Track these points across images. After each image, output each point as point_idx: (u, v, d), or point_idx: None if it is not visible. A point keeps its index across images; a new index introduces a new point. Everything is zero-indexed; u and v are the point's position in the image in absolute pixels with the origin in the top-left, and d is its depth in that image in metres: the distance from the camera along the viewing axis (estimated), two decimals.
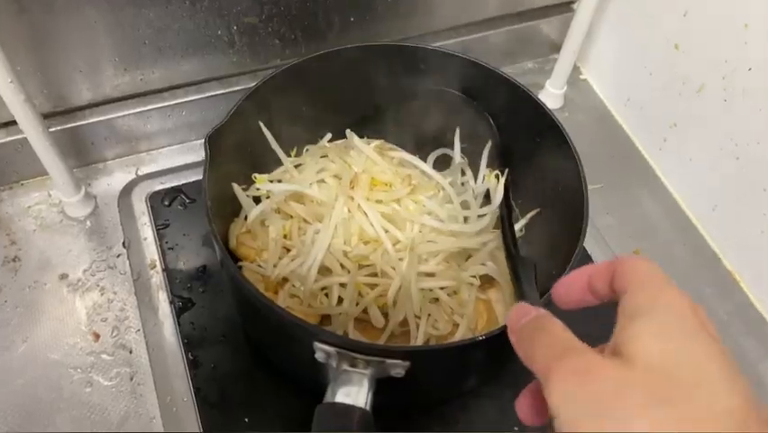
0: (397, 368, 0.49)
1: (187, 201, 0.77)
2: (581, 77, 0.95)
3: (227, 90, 0.80)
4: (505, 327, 0.51)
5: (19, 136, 0.73)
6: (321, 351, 0.50)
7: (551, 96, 0.89)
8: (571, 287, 0.37)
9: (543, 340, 0.33)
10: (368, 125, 0.73)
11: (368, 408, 0.47)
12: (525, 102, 0.65)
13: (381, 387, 0.50)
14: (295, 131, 0.71)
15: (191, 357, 0.66)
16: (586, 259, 0.74)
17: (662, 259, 0.81)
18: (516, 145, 0.69)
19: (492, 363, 0.61)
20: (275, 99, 0.65)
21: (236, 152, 0.63)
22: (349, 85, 0.69)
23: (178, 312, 0.69)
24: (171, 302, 0.69)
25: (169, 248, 0.73)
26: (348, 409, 0.47)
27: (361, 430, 0.46)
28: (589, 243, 0.77)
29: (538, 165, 0.67)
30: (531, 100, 0.65)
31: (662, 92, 0.81)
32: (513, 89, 0.66)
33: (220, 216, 0.61)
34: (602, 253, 0.76)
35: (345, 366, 0.49)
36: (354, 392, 0.48)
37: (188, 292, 0.70)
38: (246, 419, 0.63)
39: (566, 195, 0.62)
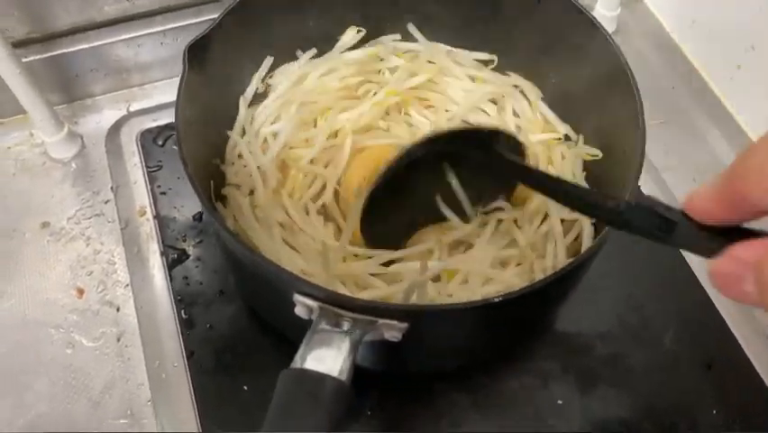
0: (393, 330, 0.40)
1: None
2: None
3: None
4: (533, 286, 0.41)
5: None
6: (302, 305, 0.41)
7: (603, 18, 0.77)
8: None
9: None
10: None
11: (344, 378, 0.38)
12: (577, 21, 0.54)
13: (376, 350, 0.42)
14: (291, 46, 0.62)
15: (184, 316, 0.58)
16: None
17: None
18: (564, 73, 0.59)
19: (516, 327, 0.52)
20: (272, 8, 0.56)
21: (223, 72, 0.54)
22: None
23: (171, 265, 0.60)
24: (163, 254, 0.61)
25: (162, 193, 0.64)
26: (317, 379, 0.37)
27: (333, 407, 0.37)
28: (648, 186, 0.66)
29: (589, 95, 0.56)
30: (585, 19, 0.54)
31: (735, 9, 0.69)
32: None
33: (200, 144, 0.52)
34: (664, 198, 0.65)
35: (324, 324, 0.40)
36: (331, 357, 0.38)
37: (182, 243, 0.61)
38: (245, 387, 0.54)
39: (619, 130, 0.51)
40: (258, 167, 0.55)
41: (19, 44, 0.65)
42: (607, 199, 0.36)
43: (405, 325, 0.40)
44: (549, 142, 0.59)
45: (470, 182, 0.52)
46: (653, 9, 0.81)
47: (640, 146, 0.46)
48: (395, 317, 0.39)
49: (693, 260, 0.61)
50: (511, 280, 0.50)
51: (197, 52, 0.49)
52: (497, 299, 0.40)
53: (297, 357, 0.39)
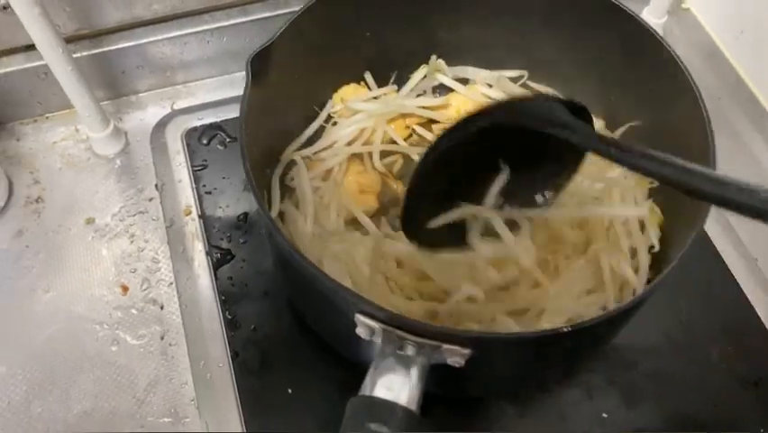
0: (455, 356, 0.39)
1: (228, 140, 0.68)
2: (684, 5, 0.81)
3: (275, 13, 0.70)
4: (600, 317, 0.40)
5: (41, 62, 0.64)
6: (363, 326, 0.40)
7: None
8: None
9: None
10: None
11: (414, 406, 0.37)
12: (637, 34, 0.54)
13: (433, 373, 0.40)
14: (355, 58, 0.62)
15: (229, 316, 0.58)
16: None
17: None
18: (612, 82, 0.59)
19: (578, 354, 0.51)
20: (336, 18, 0.56)
21: (285, 80, 0.54)
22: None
23: (216, 265, 0.60)
24: (208, 253, 0.61)
25: (207, 192, 0.64)
26: (387, 407, 0.37)
27: None
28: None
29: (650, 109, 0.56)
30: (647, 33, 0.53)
31: None
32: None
33: (260, 155, 0.52)
34: (712, 209, 0.65)
35: (390, 349, 0.39)
36: (398, 385, 0.38)
37: (227, 243, 0.61)
38: (290, 390, 0.54)
39: (678, 144, 0.50)
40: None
41: (69, 40, 0.65)
42: (696, 172, 0.33)
43: (468, 351, 0.39)
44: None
45: (525, 168, 0.46)
46: (700, 18, 0.80)
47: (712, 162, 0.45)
48: (460, 343, 0.38)
49: (742, 277, 0.60)
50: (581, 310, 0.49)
51: (260, 62, 0.48)
52: (565, 330, 0.39)
53: (366, 383, 0.38)
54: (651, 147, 0.54)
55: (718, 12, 0.78)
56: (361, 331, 0.41)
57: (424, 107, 0.64)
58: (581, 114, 0.43)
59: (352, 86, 0.65)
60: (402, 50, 0.64)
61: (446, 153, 0.43)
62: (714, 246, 0.62)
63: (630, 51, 0.56)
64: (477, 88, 0.66)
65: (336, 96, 0.64)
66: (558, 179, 0.48)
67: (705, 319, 0.58)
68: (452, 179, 0.46)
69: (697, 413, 0.55)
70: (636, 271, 0.53)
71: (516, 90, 0.65)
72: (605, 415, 0.54)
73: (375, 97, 0.64)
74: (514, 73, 0.65)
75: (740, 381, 0.56)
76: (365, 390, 0.38)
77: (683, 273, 0.59)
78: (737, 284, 0.60)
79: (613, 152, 0.39)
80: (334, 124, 0.63)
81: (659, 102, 0.54)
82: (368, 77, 0.65)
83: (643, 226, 0.54)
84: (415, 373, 0.39)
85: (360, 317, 0.40)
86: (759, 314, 0.58)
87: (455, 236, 0.48)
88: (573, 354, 0.48)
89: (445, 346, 0.39)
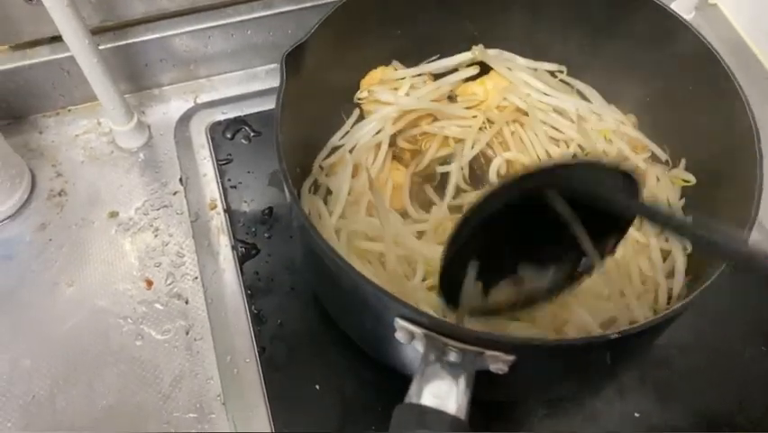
0: (499, 363, 0.39)
1: (252, 134, 0.67)
2: (711, 1, 0.80)
3: (299, 6, 0.69)
4: (648, 323, 0.40)
5: (65, 54, 0.64)
6: (403, 330, 0.39)
7: None
8: None
9: None
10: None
11: (462, 415, 0.36)
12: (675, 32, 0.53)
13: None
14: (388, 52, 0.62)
15: (255, 311, 0.57)
16: None
17: None
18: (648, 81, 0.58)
19: (620, 362, 0.50)
20: (368, 12, 0.55)
21: (318, 76, 0.53)
22: None
23: (241, 259, 0.60)
24: (233, 248, 0.60)
25: (232, 186, 0.64)
26: (436, 416, 0.36)
27: None
28: None
29: (688, 116, 0.55)
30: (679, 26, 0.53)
31: None
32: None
33: (293, 154, 0.51)
34: None
35: (434, 355, 0.38)
36: (445, 392, 0.37)
37: (252, 237, 0.61)
38: (317, 387, 0.54)
39: (725, 155, 0.50)
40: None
41: (93, 32, 0.64)
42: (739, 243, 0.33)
43: (512, 357, 0.38)
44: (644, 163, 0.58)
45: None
46: (728, 14, 0.79)
47: (759, 177, 0.43)
48: (504, 350, 0.38)
49: None
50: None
51: (294, 60, 0.48)
52: (613, 336, 0.38)
53: (412, 390, 0.37)
54: (690, 151, 0.56)
55: (746, 8, 0.77)
56: (400, 336, 0.40)
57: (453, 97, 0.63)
58: (628, 177, 0.41)
59: (380, 69, 0.63)
60: (435, 41, 0.63)
61: (487, 217, 0.41)
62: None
63: (664, 50, 0.55)
64: (518, 74, 0.64)
65: (364, 83, 0.63)
66: (604, 243, 0.44)
67: (737, 318, 0.57)
68: (493, 242, 0.43)
69: (728, 412, 0.54)
70: (671, 274, 0.52)
71: (551, 82, 0.64)
72: (637, 414, 0.53)
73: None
74: (552, 66, 0.64)
75: None
76: (412, 397, 0.37)
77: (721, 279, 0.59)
78: None
79: (657, 218, 0.40)
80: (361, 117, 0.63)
81: (698, 104, 0.53)
82: (396, 64, 0.64)
83: None
84: (462, 380, 0.38)
85: (400, 322, 0.39)
86: None
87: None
88: (615, 359, 0.48)
89: (488, 353, 0.38)
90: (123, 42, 0.67)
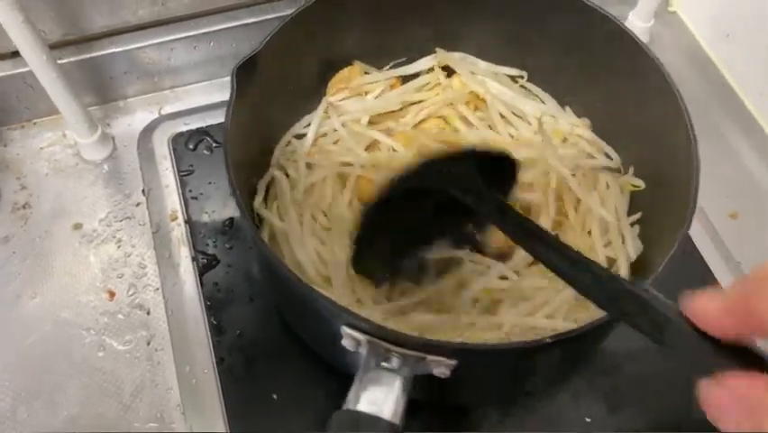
0: (441, 367, 0.40)
1: (214, 145, 0.68)
2: (671, 8, 0.81)
3: (261, 18, 0.70)
4: (585, 326, 0.40)
5: (27, 68, 0.64)
6: (349, 338, 0.41)
7: (635, 30, 0.75)
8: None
9: None
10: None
11: (397, 420, 0.38)
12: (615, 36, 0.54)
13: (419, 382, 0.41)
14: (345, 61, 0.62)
15: (214, 322, 0.58)
16: None
17: (765, 226, 0.71)
18: (598, 85, 0.59)
19: (562, 365, 0.52)
20: (323, 25, 0.56)
21: (271, 89, 0.54)
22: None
23: (201, 270, 0.60)
24: (193, 259, 0.61)
25: (193, 198, 0.65)
26: (371, 421, 0.37)
27: None
28: None
29: (635, 122, 0.57)
30: (624, 34, 0.54)
31: None
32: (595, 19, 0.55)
33: (246, 165, 0.52)
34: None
35: (375, 361, 0.40)
36: (382, 398, 0.38)
37: (213, 248, 0.62)
38: (274, 396, 0.55)
39: (669, 161, 0.51)
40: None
41: (55, 46, 0.65)
42: (600, 274, 0.34)
43: (454, 362, 0.39)
44: (594, 169, 0.59)
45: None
46: (687, 21, 0.80)
47: (694, 185, 0.45)
48: (445, 355, 0.39)
49: (725, 281, 0.61)
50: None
51: (245, 72, 0.48)
52: (548, 340, 0.39)
53: (350, 397, 0.38)
54: (638, 154, 0.57)
55: (705, 15, 0.78)
56: (347, 343, 0.41)
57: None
58: (510, 164, 0.47)
59: (348, 69, 0.63)
60: (393, 46, 0.64)
61: (387, 206, 0.45)
62: (697, 250, 0.62)
63: (612, 55, 0.56)
64: (480, 78, 0.65)
65: (332, 84, 0.63)
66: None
67: None
68: (401, 225, 0.48)
69: (678, 418, 0.55)
70: None
71: (513, 87, 0.65)
72: (588, 419, 0.54)
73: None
74: (513, 71, 0.65)
75: None
76: (349, 404, 0.38)
77: (664, 274, 0.60)
78: (720, 286, 0.60)
79: (509, 229, 0.42)
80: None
81: (643, 108, 0.55)
82: (358, 64, 0.64)
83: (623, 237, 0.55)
84: (398, 385, 0.39)
85: (346, 330, 0.40)
86: None
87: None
88: (561, 362, 0.49)
89: (430, 358, 0.39)
90: (87, 56, 0.67)
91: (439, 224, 0.50)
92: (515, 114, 0.64)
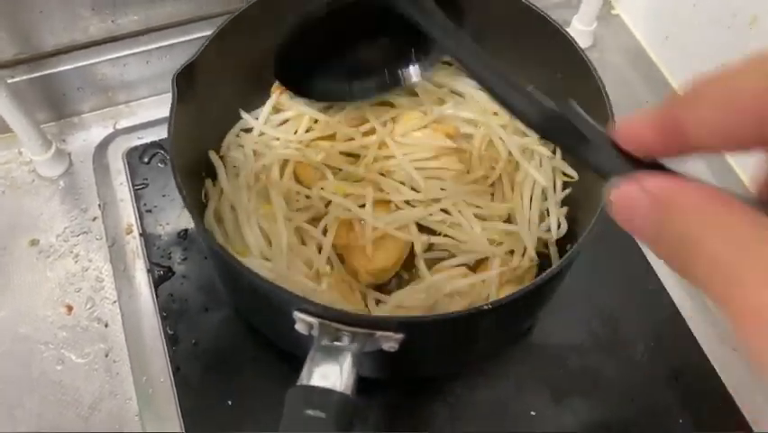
0: (390, 341, 0.42)
1: (168, 158, 0.69)
2: (613, 11, 0.84)
3: (212, 32, 0.71)
4: (520, 292, 0.43)
5: None
6: (302, 322, 0.43)
7: (578, 33, 0.78)
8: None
9: (721, 236, 0.19)
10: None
11: (350, 392, 0.40)
12: (550, 36, 0.56)
13: (371, 359, 0.43)
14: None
15: (170, 332, 0.59)
16: None
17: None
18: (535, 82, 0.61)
19: (505, 331, 0.54)
20: (260, 29, 0.57)
21: (213, 93, 0.56)
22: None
23: (157, 282, 0.62)
24: (149, 271, 0.62)
25: (147, 210, 0.66)
26: (324, 395, 0.39)
27: (339, 421, 0.39)
28: None
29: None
30: (558, 34, 0.56)
31: (707, 27, 0.71)
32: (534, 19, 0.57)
33: (193, 167, 0.54)
34: None
35: (326, 340, 0.42)
36: (334, 373, 0.40)
37: (167, 260, 0.63)
38: (230, 402, 0.56)
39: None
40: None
41: (6, 65, 0.66)
42: (532, 96, 0.34)
43: (400, 336, 0.41)
44: (530, 146, 0.61)
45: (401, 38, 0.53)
46: (629, 24, 0.82)
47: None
48: (391, 329, 0.41)
49: (663, 273, 0.63)
50: None
51: (186, 79, 0.50)
52: (486, 306, 0.42)
53: (303, 374, 0.41)
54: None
55: (645, 18, 0.81)
56: (300, 327, 0.43)
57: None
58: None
59: None
60: None
61: (323, 19, 0.49)
62: (635, 241, 0.65)
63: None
64: None
65: (275, 88, 0.64)
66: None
67: (629, 316, 0.61)
68: (334, 42, 0.53)
69: (621, 408, 0.57)
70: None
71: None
72: (533, 413, 0.57)
73: None
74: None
75: (662, 375, 0.58)
76: (302, 380, 0.41)
77: (605, 269, 0.62)
78: (659, 280, 0.62)
79: (453, 48, 0.43)
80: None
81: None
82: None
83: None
84: (348, 359, 0.41)
85: (298, 315, 0.42)
86: (680, 310, 0.61)
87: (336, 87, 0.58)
88: (501, 328, 0.52)
89: (378, 333, 0.42)
90: (39, 74, 0.68)
91: (371, 52, 0.55)
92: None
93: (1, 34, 0.64)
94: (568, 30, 0.69)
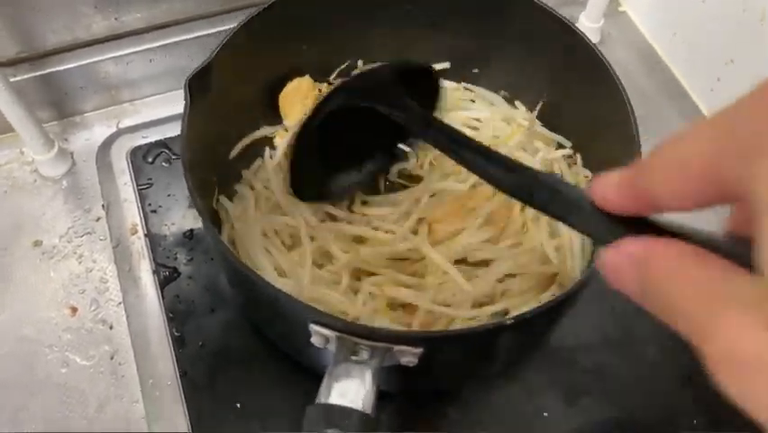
0: (408, 356, 0.41)
1: (173, 157, 0.68)
2: (620, 8, 0.83)
3: (216, 29, 0.70)
4: (539, 308, 0.42)
5: None
6: (318, 335, 0.42)
7: (586, 30, 0.77)
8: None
9: (691, 291, 0.21)
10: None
11: (370, 410, 0.39)
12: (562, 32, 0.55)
13: (388, 373, 0.42)
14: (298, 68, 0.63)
15: (176, 334, 0.58)
16: None
17: (712, 220, 0.71)
18: (548, 82, 0.61)
19: (522, 346, 0.53)
20: (275, 33, 0.57)
21: (227, 98, 0.55)
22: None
23: (162, 283, 0.61)
24: (154, 272, 0.62)
25: (152, 211, 0.65)
26: (344, 413, 0.38)
27: None
28: None
29: (577, 106, 0.58)
30: (570, 31, 0.55)
31: (716, 22, 0.70)
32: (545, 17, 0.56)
33: (205, 176, 0.53)
34: None
35: (344, 355, 0.41)
36: (353, 390, 0.39)
37: (173, 261, 0.62)
38: (238, 405, 0.55)
39: (612, 141, 0.53)
40: None
41: (8, 64, 0.65)
42: (514, 168, 0.35)
43: (420, 350, 0.40)
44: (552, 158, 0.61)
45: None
46: (636, 21, 0.82)
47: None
48: (410, 343, 0.40)
49: None
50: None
51: (198, 83, 0.49)
52: (509, 321, 0.41)
53: (322, 391, 0.39)
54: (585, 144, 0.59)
55: (653, 15, 0.80)
56: (315, 340, 0.42)
57: None
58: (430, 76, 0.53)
59: (296, 81, 0.64)
60: (342, 56, 0.65)
61: (318, 128, 0.51)
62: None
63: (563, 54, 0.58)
64: None
65: (282, 97, 0.64)
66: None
67: (641, 316, 0.60)
68: (333, 143, 0.54)
69: (633, 409, 0.57)
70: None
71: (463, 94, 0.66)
72: (546, 414, 0.56)
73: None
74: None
75: (674, 376, 0.58)
76: (321, 397, 0.40)
77: None
78: None
79: (433, 137, 0.45)
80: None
81: (591, 104, 0.56)
82: (307, 78, 0.65)
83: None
84: (368, 376, 0.40)
85: (314, 327, 0.41)
86: None
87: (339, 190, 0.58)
88: (520, 343, 0.51)
89: (397, 348, 0.41)
90: (42, 72, 0.67)
91: (369, 142, 0.57)
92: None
93: (3, 32, 0.63)
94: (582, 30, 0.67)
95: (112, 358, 0.59)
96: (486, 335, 0.43)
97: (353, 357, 0.41)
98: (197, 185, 0.47)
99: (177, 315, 0.59)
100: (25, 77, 0.66)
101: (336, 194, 0.59)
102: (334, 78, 0.66)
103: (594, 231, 0.28)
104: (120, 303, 0.61)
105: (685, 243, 0.23)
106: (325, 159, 0.55)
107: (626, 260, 0.24)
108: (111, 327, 0.60)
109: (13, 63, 0.66)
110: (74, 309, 0.61)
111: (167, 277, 0.61)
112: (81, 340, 0.60)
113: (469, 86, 0.67)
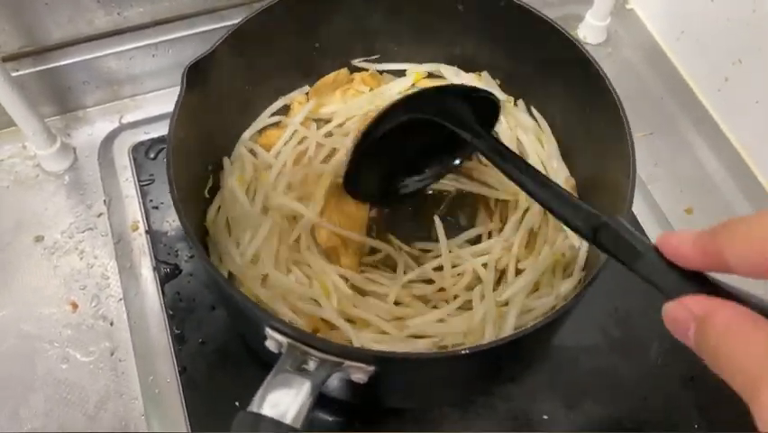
0: (360, 373, 0.40)
1: None
2: (628, 6, 0.82)
3: (220, 25, 0.70)
4: (501, 341, 0.41)
5: None
6: (273, 339, 0.41)
7: (592, 28, 0.77)
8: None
9: (744, 349, 0.25)
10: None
11: (299, 425, 0.37)
12: (552, 35, 0.55)
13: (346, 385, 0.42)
14: (299, 64, 0.63)
15: (176, 331, 0.58)
16: (631, 221, 0.63)
17: (719, 220, 0.70)
18: (542, 87, 0.60)
19: (483, 377, 0.53)
20: (277, 29, 0.56)
21: (223, 94, 0.55)
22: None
23: (163, 280, 0.61)
24: (155, 269, 0.61)
25: (154, 207, 0.65)
26: (271, 425, 0.37)
27: None
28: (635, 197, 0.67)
29: (572, 113, 0.58)
30: (557, 32, 0.54)
31: (724, 22, 0.69)
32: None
33: (192, 165, 0.53)
34: (650, 210, 0.66)
35: (289, 364, 0.39)
36: (286, 402, 0.38)
37: (174, 258, 0.62)
38: (237, 403, 0.55)
39: (607, 146, 0.52)
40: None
41: (11, 58, 0.65)
42: (583, 211, 0.38)
43: (372, 368, 0.40)
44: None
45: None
46: (644, 19, 0.81)
47: (630, 194, 0.46)
48: (363, 361, 0.39)
49: None
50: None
51: (197, 73, 0.48)
52: (464, 351, 0.40)
53: (256, 399, 0.38)
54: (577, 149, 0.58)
55: (661, 13, 0.79)
56: (270, 344, 0.42)
57: None
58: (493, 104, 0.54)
59: (333, 74, 0.65)
60: (344, 53, 0.65)
61: (377, 137, 0.52)
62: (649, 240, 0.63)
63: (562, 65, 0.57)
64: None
65: (320, 87, 0.64)
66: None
67: (642, 317, 0.60)
68: (389, 150, 0.54)
69: (635, 410, 0.56)
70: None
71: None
72: (545, 417, 0.55)
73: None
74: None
75: (676, 377, 0.57)
76: (253, 406, 0.38)
77: (619, 269, 0.61)
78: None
79: (504, 165, 0.47)
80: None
81: (588, 117, 0.56)
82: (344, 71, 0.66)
83: None
84: (306, 389, 0.39)
85: (269, 331, 0.41)
86: None
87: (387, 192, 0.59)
88: (494, 366, 0.50)
89: (348, 363, 0.40)
90: (44, 67, 0.67)
91: (423, 157, 0.58)
92: None
93: (5, 27, 0.63)
94: (581, 25, 0.67)
95: (112, 355, 0.59)
96: (442, 361, 0.42)
97: (303, 366, 0.40)
98: (182, 176, 0.47)
99: (177, 312, 0.59)
100: (28, 71, 0.66)
101: (382, 197, 0.59)
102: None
103: (659, 280, 0.31)
104: (120, 299, 0.61)
105: (740, 304, 0.26)
106: (380, 163, 0.56)
107: (687, 315, 0.27)
108: (111, 324, 0.60)
109: (15, 58, 0.66)
110: (75, 305, 0.61)
111: (168, 274, 0.61)
112: (81, 336, 0.60)
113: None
